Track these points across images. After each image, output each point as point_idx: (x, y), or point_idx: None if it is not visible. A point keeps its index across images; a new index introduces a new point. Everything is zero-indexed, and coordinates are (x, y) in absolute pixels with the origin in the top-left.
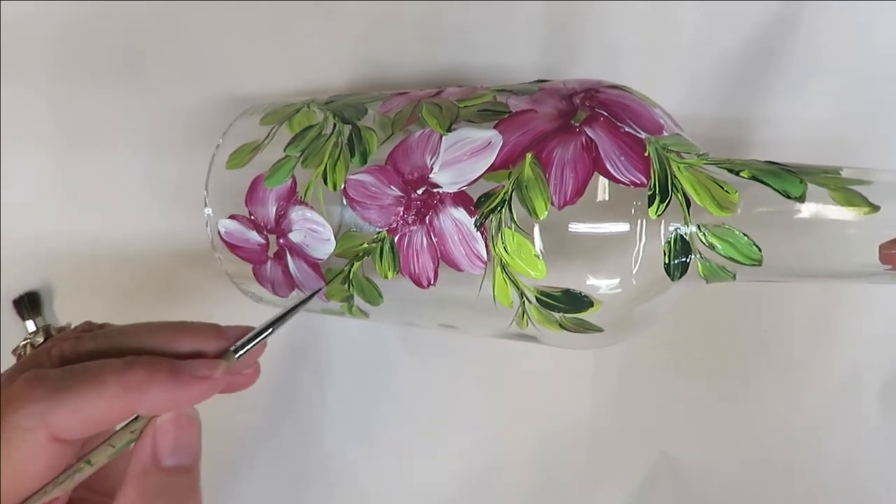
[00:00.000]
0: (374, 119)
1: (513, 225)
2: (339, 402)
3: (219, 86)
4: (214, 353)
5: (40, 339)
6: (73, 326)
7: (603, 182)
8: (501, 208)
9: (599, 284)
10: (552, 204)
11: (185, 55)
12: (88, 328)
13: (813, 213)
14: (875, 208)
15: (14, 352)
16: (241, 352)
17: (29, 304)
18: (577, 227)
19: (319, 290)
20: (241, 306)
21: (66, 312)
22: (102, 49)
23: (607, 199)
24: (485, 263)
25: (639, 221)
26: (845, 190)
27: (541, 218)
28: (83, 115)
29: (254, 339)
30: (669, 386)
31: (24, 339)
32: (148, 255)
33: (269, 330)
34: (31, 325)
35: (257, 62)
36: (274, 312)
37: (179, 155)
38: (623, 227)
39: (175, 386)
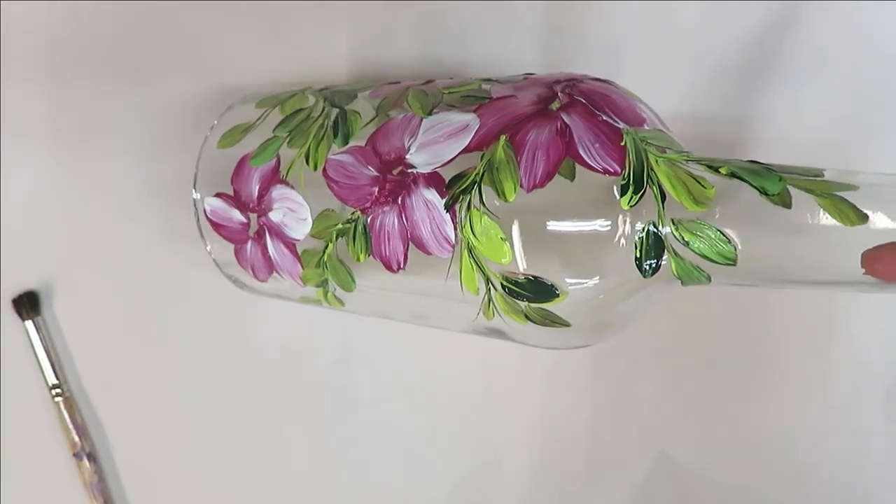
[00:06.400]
0: (361, 104)
1: (481, 207)
2: (338, 401)
3: (220, 85)
4: None
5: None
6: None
7: (578, 172)
8: (471, 190)
9: (567, 277)
10: (521, 186)
11: (184, 54)
12: None
13: (794, 217)
14: (864, 219)
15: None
16: None
17: (28, 303)
18: (550, 219)
19: None
20: (240, 305)
21: (66, 312)
22: (103, 48)
23: (581, 190)
24: (452, 246)
25: (612, 216)
26: (832, 197)
27: (509, 200)
28: (83, 115)
29: None
30: (669, 386)
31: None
32: (147, 254)
33: None
34: (30, 326)
35: (256, 61)
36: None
37: (179, 154)
38: (595, 221)
39: None
